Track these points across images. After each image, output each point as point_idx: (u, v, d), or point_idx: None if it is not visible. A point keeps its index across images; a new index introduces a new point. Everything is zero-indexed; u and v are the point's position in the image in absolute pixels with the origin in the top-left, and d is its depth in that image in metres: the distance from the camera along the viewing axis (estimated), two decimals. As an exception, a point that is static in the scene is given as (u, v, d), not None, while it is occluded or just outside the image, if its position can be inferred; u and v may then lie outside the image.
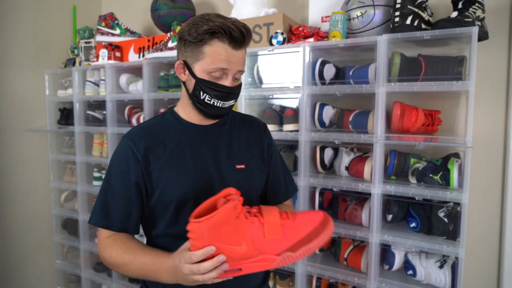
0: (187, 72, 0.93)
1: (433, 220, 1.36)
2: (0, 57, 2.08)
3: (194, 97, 0.93)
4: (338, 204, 1.58)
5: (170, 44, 1.86)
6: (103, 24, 2.20)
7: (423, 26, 1.37)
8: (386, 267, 1.46)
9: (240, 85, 0.96)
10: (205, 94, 0.91)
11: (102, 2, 2.66)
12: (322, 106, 1.56)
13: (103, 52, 2.07)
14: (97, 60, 2.11)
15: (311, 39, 1.59)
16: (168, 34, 1.91)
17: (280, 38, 1.60)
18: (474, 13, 1.31)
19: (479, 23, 1.32)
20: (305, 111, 1.54)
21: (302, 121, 1.55)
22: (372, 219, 1.42)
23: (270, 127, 1.59)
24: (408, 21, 1.35)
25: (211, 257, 0.76)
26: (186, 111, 1.00)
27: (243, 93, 1.67)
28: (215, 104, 0.92)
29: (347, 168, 1.53)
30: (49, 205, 2.41)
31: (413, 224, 1.41)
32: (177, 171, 0.93)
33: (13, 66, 2.16)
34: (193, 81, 0.91)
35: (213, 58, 0.87)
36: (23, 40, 2.19)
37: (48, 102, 2.35)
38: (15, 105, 2.18)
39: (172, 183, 0.93)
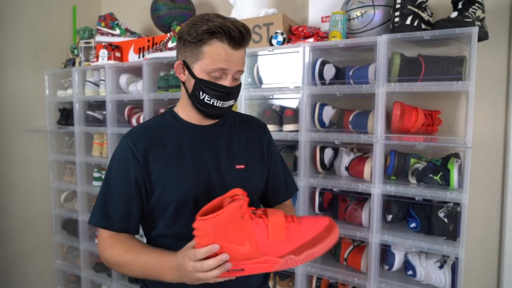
0: (186, 72, 0.92)
1: (433, 220, 1.36)
2: (0, 57, 2.08)
3: (193, 97, 0.93)
4: (338, 204, 1.58)
5: (170, 44, 1.86)
6: (103, 24, 2.20)
7: (423, 26, 1.37)
8: (386, 267, 1.46)
9: (240, 85, 0.96)
10: (204, 94, 0.91)
11: (102, 2, 2.66)
12: (322, 106, 1.56)
13: (103, 53, 2.07)
14: (97, 60, 2.11)
15: (311, 39, 1.59)
16: (168, 35, 1.91)
17: (280, 38, 1.60)
18: (474, 13, 1.31)
19: (479, 23, 1.32)
20: (305, 111, 1.54)
21: (302, 121, 1.54)
22: (372, 219, 1.42)
23: (270, 127, 1.59)
24: (408, 21, 1.35)
25: (215, 255, 0.77)
26: (186, 111, 1.00)
27: (243, 93, 1.67)
28: (215, 104, 0.92)
29: (347, 168, 1.53)
30: (49, 205, 2.41)
31: (413, 224, 1.41)
32: (176, 171, 0.93)
33: (13, 66, 2.15)
34: (192, 81, 0.91)
35: (212, 58, 0.87)
36: (23, 40, 2.19)
37: (48, 102, 2.35)
38: (15, 105, 2.18)
39: (172, 183, 0.93)
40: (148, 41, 2.07)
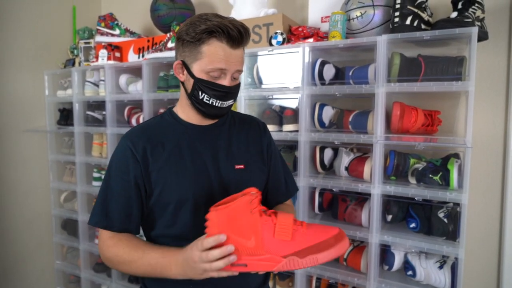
0: (185, 72, 0.92)
1: (432, 220, 1.36)
2: (0, 57, 2.08)
3: (192, 97, 0.93)
4: (338, 204, 1.58)
5: (169, 45, 1.86)
6: (102, 24, 2.20)
7: (423, 26, 1.37)
8: (386, 267, 1.46)
9: (239, 84, 0.96)
10: (203, 94, 0.91)
11: (102, 2, 2.66)
12: (321, 106, 1.56)
13: (103, 53, 2.07)
14: (97, 60, 2.11)
15: (311, 40, 1.59)
16: (168, 35, 1.91)
17: (280, 38, 1.60)
18: (474, 13, 1.31)
19: (478, 23, 1.31)
20: (304, 112, 1.54)
21: (301, 122, 1.54)
22: (372, 220, 1.42)
23: (270, 127, 1.59)
24: (408, 22, 1.35)
25: (221, 246, 0.79)
26: (185, 112, 1.00)
27: (242, 94, 1.67)
28: (214, 104, 0.92)
29: (346, 169, 1.53)
30: (49, 205, 2.41)
31: (412, 225, 1.41)
32: (176, 171, 0.93)
33: (12, 66, 2.15)
34: (191, 81, 0.91)
35: (211, 57, 0.87)
36: (22, 41, 2.19)
37: (47, 102, 2.35)
38: (14, 106, 2.18)
39: (171, 183, 0.93)
40: (148, 41, 2.07)
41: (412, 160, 1.45)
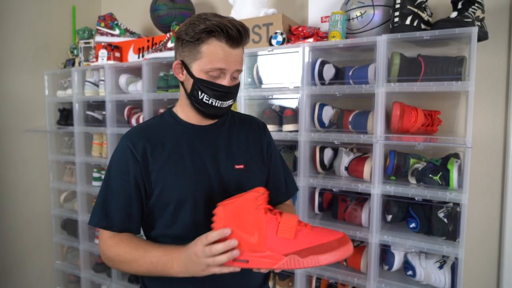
0: (185, 72, 0.92)
1: (432, 220, 1.36)
2: (0, 57, 2.09)
3: (192, 97, 0.93)
4: (338, 204, 1.58)
5: (169, 45, 1.86)
6: (102, 24, 2.20)
7: (423, 26, 1.37)
8: (386, 267, 1.46)
9: (238, 84, 0.96)
10: (203, 94, 0.91)
11: (102, 2, 2.66)
12: (321, 106, 1.56)
13: (103, 53, 2.06)
14: (97, 60, 2.11)
15: (311, 39, 1.59)
16: (168, 35, 1.91)
17: (280, 38, 1.60)
18: (474, 13, 1.31)
19: (478, 23, 1.31)
20: (304, 112, 1.54)
21: (301, 122, 1.54)
22: (372, 220, 1.42)
23: (270, 127, 1.59)
24: (408, 21, 1.35)
25: (225, 240, 0.80)
26: (185, 112, 1.00)
27: (242, 93, 1.67)
28: (214, 104, 0.92)
29: (346, 169, 1.53)
30: (49, 205, 2.40)
31: (412, 225, 1.41)
32: (175, 171, 0.93)
33: (12, 66, 2.15)
34: (191, 81, 0.91)
35: (210, 57, 0.87)
36: (22, 41, 2.19)
37: (47, 102, 2.35)
38: (14, 106, 2.18)
39: (171, 183, 0.93)
40: (148, 41, 2.07)
41: (412, 160, 1.45)
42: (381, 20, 1.47)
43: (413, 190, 1.34)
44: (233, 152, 1.00)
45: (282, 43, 1.60)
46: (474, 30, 1.23)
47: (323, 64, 1.52)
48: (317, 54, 1.56)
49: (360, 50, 1.59)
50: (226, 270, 0.80)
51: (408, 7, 1.35)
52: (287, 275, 1.70)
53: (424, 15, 1.37)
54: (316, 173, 1.63)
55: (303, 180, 1.56)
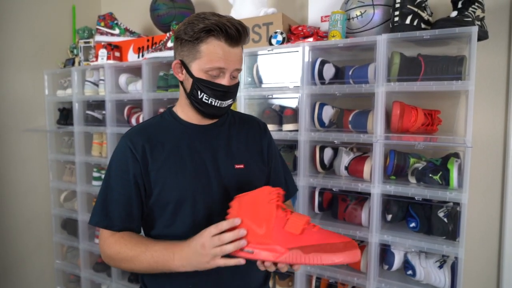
0: (184, 71, 0.92)
1: (432, 220, 1.36)
2: (-1, 57, 2.09)
3: (191, 97, 0.93)
4: (338, 204, 1.58)
5: (169, 44, 1.86)
6: (102, 24, 2.20)
7: (423, 25, 1.37)
8: (386, 267, 1.46)
9: (238, 83, 0.96)
10: (202, 93, 0.91)
11: (102, 2, 2.66)
12: (321, 106, 1.56)
13: (102, 52, 2.06)
14: (96, 60, 2.11)
15: (311, 39, 1.59)
16: (167, 34, 1.91)
17: (280, 37, 1.60)
18: (474, 12, 1.31)
19: (478, 22, 1.31)
20: (304, 111, 1.54)
21: (301, 121, 1.54)
22: (372, 219, 1.42)
23: (270, 127, 1.59)
24: (408, 21, 1.35)
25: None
26: (185, 111, 0.99)
27: (242, 93, 1.67)
28: (213, 103, 0.92)
29: (346, 168, 1.53)
30: (49, 205, 2.41)
31: (412, 224, 1.41)
32: (175, 171, 0.93)
33: (12, 66, 2.15)
34: (190, 80, 0.91)
35: (210, 57, 0.87)
36: (22, 40, 2.19)
37: (47, 102, 2.35)
38: (14, 105, 2.18)
39: (171, 183, 0.93)
40: (148, 40, 2.07)
41: (412, 160, 1.44)
42: (381, 20, 1.47)
43: (413, 190, 1.34)
44: (233, 152, 1.00)
45: (282, 42, 1.60)
46: (474, 30, 1.23)
47: (323, 63, 1.52)
48: (317, 53, 1.56)
49: (360, 50, 1.59)
50: (231, 262, 0.80)
51: (408, 6, 1.35)
52: (287, 275, 1.70)
53: (424, 15, 1.37)
54: (316, 173, 1.63)
55: (303, 179, 1.56)
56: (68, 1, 2.43)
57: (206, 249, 0.80)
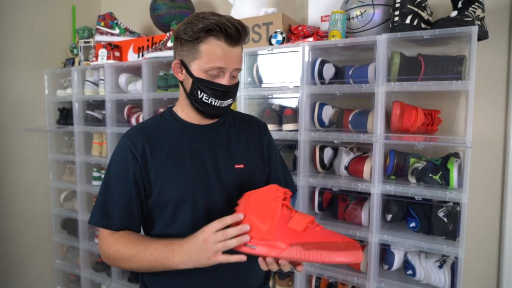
0: (184, 71, 0.92)
1: (432, 220, 1.36)
2: (-1, 56, 2.09)
3: (191, 96, 0.93)
4: (338, 204, 1.58)
5: (169, 44, 1.86)
6: (102, 23, 2.20)
7: (423, 25, 1.36)
8: (386, 267, 1.46)
9: (238, 83, 0.96)
10: (202, 93, 0.91)
11: (101, 1, 2.66)
12: (321, 105, 1.56)
13: (102, 52, 2.06)
14: (96, 59, 2.11)
15: (311, 39, 1.59)
16: (167, 34, 1.91)
17: (280, 37, 1.60)
18: (474, 12, 1.31)
19: (478, 22, 1.31)
20: (304, 111, 1.53)
21: (301, 121, 1.54)
22: (372, 219, 1.42)
23: (270, 126, 1.58)
24: (408, 21, 1.35)
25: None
26: (185, 111, 0.99)
27: (242, 93, 1.67)
28: (213, 103, 0.92)
29: (346, 168, 1.53)
30: (49, 204, 2.41)
31: (412, 224, 1.41)
32: (175, 170, 0.93)
33: (12, 66, 2.15)
34: (190, 80, 0.91)
35: (209, 56, 0.87)
36: (22, 40, 2.19)
37: (47, 101, 2.35)
38: (14, 105, 2.18)
39: (170, 182, 0.92)
40: (148, 40, 2.07)
41: (412, 160, 1.44)
42: (381, 19, 1.47)
43: (413, 190, 1.34)
44: (232, 152, 1.00)
45: (282, 42, 1.60)
46: (474, 29, 1.23)
47: (323, 63, 1.52)
48: (317, 53, 1.56)
49: (360, 49, 1.59)
50: (232, 258, 0.80)
51: (408, 6, 1.35)
52: (287, 275, 1.70)
53: (424, 14, 1.37)
54: (316, 173, 1.63)
55: (303, 179, 1.56)
56: (68, 1, 2.43)
57: (209, 244, 0.79)
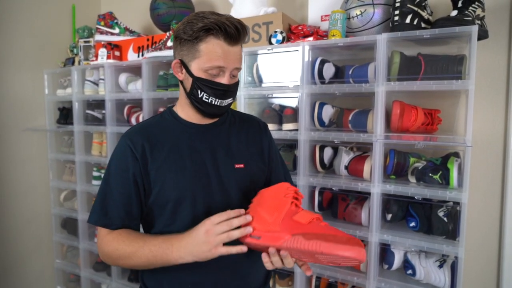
0: (184, 71, 0.92)
1: (432, 219, 1.36)
2: (-1, 56, 2.09)
3: (191, 96, 0.93)
4: (338, 203, 1.58)
5: (169, 43, 1.86)
6: (102, 23, 2.20)
7: (423, 25, 1.36)
8: (386, 266, 1.46)
9: (238, 82, 0.96)
10: (202, 93, 0.91)
11: (101, 1, 2.66)
12: (321, 105, 1.56)
13: (102, 51, 2.06)
14: (96, 59, 2.11)
15: (311, 38, 1.59)
16: (167, 33, 1.91)
17: (280, 37, 1.60)
18: (474, 12, 1.31)
19: (479, 22, 1.31)
20: (304, 110, 1.53)
21: (301, 120, 1.54)
22: (372, 219, 1.42)
23: (270, 126, 1.58)
24: (408, 20, 1.35)
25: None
26: (185, 110, 0.99)
27: (242, 92, 1.67)
28: (213, 102, 0.92)
29: (346, 168, 1.53)
30: (49, 204, 2.41)
31: (412, 224, 1.40)
32: (175, 170, 0.93)
33: (12, 65, 2.15)
34: (190, 79, 0.91)
35: (209, 56, 0.87)
36: (22, 40, 2.19)
37: (47, 101, 2.35)
38: (14, 105, 2.18)
39: (170, 182, 0.92)
40: (148, 40, 2.07)
41: (412, 159, 1.44)
42: (381, 19, 1.47)
43: (413, 189, 1.34)
44: (232, 151, 1.00)
45: (282, 42, 1.60)
46: (474, 29, 1.22)
47: (323, 63, 1.52)
48: (317, 53, 1.56)
49: (360, 49, 1.59)
50: (233, 250, 0.81)
51: (408, 5, 1.34)
52: (287, 274, 1.70)
53: (424, 14, 1.37)
54: (316, 172, 1.63)
55: (303, 179, 1.56)
56: (68, 0, 2.43)
57: (211, 236, 0.80)
